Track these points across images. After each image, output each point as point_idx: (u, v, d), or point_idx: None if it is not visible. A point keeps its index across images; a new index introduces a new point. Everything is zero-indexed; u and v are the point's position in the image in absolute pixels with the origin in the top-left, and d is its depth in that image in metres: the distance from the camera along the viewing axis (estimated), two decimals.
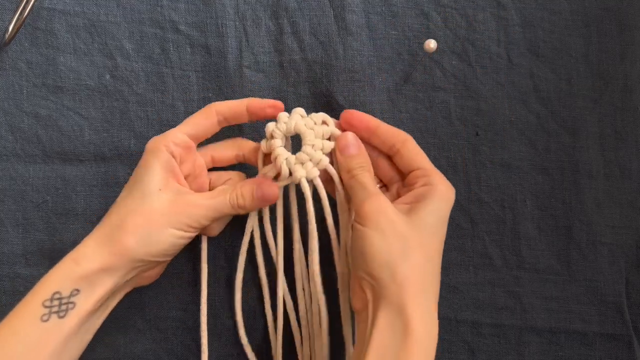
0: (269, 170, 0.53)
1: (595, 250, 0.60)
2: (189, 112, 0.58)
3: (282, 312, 0.57)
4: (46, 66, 0.58)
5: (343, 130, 0.54)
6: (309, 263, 0.53)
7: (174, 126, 0.57)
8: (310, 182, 0.53)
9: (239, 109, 0.53)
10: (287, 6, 0.59)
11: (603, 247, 0.60)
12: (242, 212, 0.52)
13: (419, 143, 0.58)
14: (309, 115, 0.53)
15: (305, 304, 0.57)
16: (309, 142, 0.52)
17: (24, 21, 0.56)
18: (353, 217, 0.51)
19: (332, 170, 0.53)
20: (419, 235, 0.47)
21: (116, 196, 0.57)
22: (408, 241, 0.47)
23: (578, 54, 0.60)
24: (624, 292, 0.60)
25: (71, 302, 0.46)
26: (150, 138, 0.58)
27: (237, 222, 0.58)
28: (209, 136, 0.54)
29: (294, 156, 0.52)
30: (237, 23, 0.59)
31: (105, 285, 0.47)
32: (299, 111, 0.53)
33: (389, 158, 0.54)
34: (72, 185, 0.58)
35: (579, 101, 0.60)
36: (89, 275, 0.46)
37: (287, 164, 0.52)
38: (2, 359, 0.43)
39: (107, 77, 0.58)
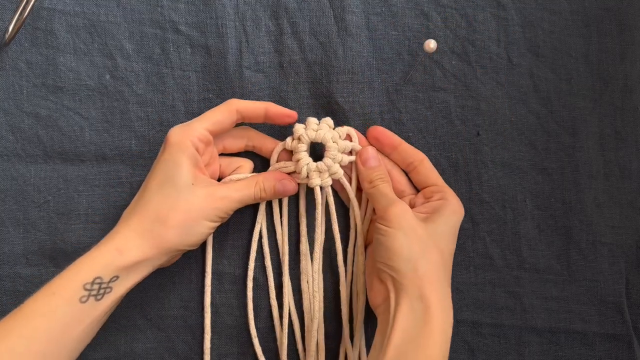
0: (281, 167, 0.57)
1: (595, 250, 0.60)
2: (189, 112, 0.58)
3: (288, 303, 0.58)
4: (46, 66, 0.58)
5: (367, 142, 0.58)
6: (313, 260, 0.57)
7: (174, 126, 0.58)
8: (323, 190, 0.57)
9: (258, 111, 0.55)
10: (287, 7, 0.59)
11: (603, 247, 0.60)
12: (261, 202, 0.58)
13: (419, 143, 0.59)
14: (336, 129, 0.57)
15: (309, 298, 0.58)
16: (331, 156, 0.56)
17: (24, 21, 0.56)
18: (376, 220, 0.55)
19: (346, 184, 0.57)
20: (435, 239, 0.53)
21: (118, 196, 0.58)
22: (426, 243, 0.52)
23: (578, 54, 0.60)
24: (624, 292, 0.60)
25: (109, 287, 0.49)
26: (150, 138, 0.58)
27: (237, 223, 0.59)
28: (225, 132, 0.56)
29: (315, 164, 0.56)
30: (237, 23, 0.59)
31: (142, 273, 0.51)
32: (328, 122, 0.57)
33: (405, 173, 0.59)
34: (74, 185, 0.58)
35: (579, 101, 0.60)
36: (131, 265, 0.49)
37: (307, 169, 0.55)
38: (41, 335, 0.46)
39: (107, 77, 0.58)
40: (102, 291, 0.48)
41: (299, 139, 0.56)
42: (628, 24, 0.60)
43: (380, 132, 0.58)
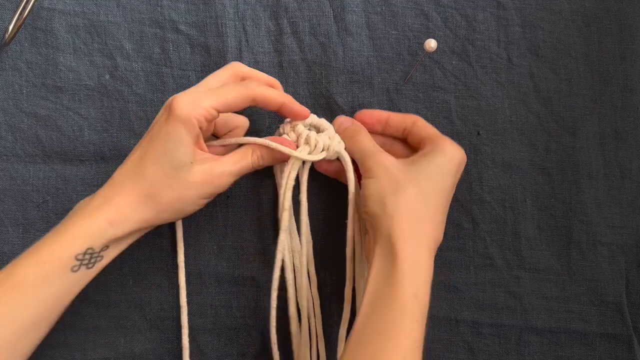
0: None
1: (595, 250, 0.60)
2: None
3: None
4: (46, 66, 0.58)
5: None
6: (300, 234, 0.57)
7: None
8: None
9: (274, 105, 0.53)
10: (286, 6, 0.59)
11: (603, 247, 0.60)
12: (259, 168, 0.55)
13: None
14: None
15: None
16: (327, 134, 0.56)
17: (24, 21, 0.56)
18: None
19: (345, 155, 0.55)
20: (413, 177, 0.51)
21: None
22: (400, 181, 0.50)
23: (578, 54, 0.60)
24: (624, 292, 0.60)
25: (100, 256, 0.49)
26: None
27: (236, 224, 0.59)
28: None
29: (315, 134, 0.55)
30: (237, 23, 0.59)
31: (131, 240, 0.51)
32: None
33: (405, 142, 0.57)
34: (73, 185, 0.58)
35: (579, 101, 0.60)
36: (122, 237, 0.49)
37: (307, 135, 0.55)
38: (35, 304, 0.47)
39: (107, 77, 0.58)
40: (93, 260, 0.49)
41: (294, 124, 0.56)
42: (628, 23, 0.60)
43: (365, 113, 0.57)
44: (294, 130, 0.55)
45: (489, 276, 0.60)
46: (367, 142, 0.54)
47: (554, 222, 0.60)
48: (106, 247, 0.49)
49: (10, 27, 0.55)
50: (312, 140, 0.55)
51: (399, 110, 0.59)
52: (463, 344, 0.60)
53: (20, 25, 0.56)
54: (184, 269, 0.58)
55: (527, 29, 0.60)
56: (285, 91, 0.59)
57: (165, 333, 0.58)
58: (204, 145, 0.52)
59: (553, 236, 0.60)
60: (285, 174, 0.55)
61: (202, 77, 0.58)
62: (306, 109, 0.54)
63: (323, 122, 0.56)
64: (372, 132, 0.57)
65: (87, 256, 0.48)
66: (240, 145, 0.54)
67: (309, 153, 0.55)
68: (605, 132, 0.60)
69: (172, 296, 0.59)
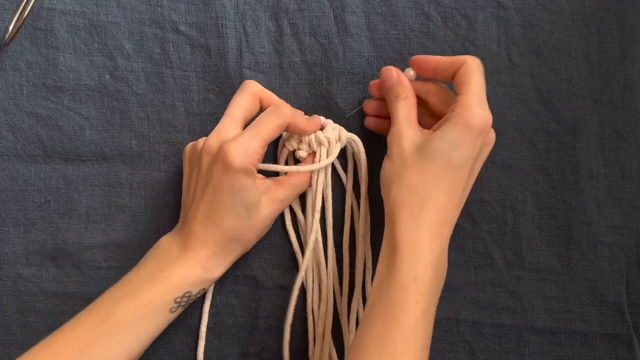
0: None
1: (595, 250, 0.60)
2: (189, 112, 0.58)
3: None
4: (46, 66, 0.58)
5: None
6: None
7: (174, 127, 0.58)
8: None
9: (301, 131, 0.55)
10: (287, 7, 0.59)
11: (603, 247, 0.60)
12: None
13: None
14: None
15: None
16: (331, 126, 0.57)
17: (24, 21, 0.56)
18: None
19: (355, 138, 0.58)
20: (420, 159, 0.50)
21: (118, 196, 0.58)
22: (407, 164, 0.50)
23: (578, 54, 0.60)
24: (624, 292, 0.60)
25: (194, 296, 0.53)
26: (150, 138, 0.58)
27: None
28: None
29: (321, 133, 0.56)
30: (237, 24, 0.59)
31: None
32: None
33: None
34: (74, 185, 0.58)
35: (579, 101, 0.60)
36: (217, 277, 0.54)
37: (316, 137, 0.56)
38: (134, 342, 0.50)
39: (107, 77, 0.58)
40: (189, 301, 0.53)
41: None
42: (628, 23, 0.60)
43: (415, 60, 0.55)
44: (301, 142, 0.56)
45: (489, 276, 0.60)
46: (401, 111, 0.53)
47: (554, 222, 0.60)
48: (202, 289, 0.53)
49: (11, 27, 0.55)
50: (324, 140, 0.56)
51: None
52: (463, 344, 0.60)
53: (21, 25, 0.56)
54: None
55: (528, 29, 0.60)
56: (286, 92, 0.59)
57: (164, 333, 0.58)
58: (256, 174, 0.54)
59: (553, 236, 0.60)
60: (314, 182, 0.57)
61: (202, 78, 0.59)
62: (311, 123, 0.56)
63: (313, 118, 0.57)
64: (424, 76, 0.55)
65: (184, 299, 0.52)
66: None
67: (327, 153, 0.56)
68: (606, 132, 0.60)
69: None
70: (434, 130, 0.51)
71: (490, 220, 0.60)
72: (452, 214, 0.51)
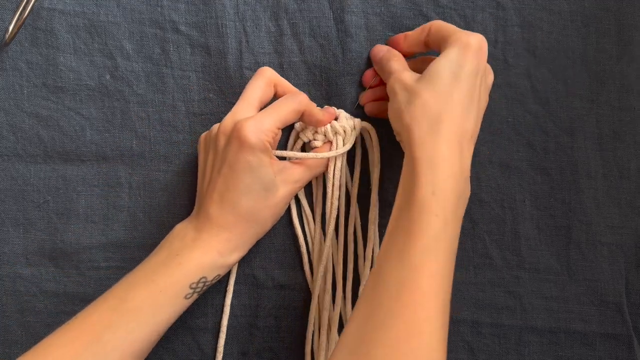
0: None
1: (595, 250, 0.60)
2: (189, 112, 0.59)
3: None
4: (46, 66, 0.58)
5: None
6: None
7: (175, 127, 0.58)
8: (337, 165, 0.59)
9: (315, 122, 0.56)
10: (287, 7, 0.59)
11: (603, 247, 0.60)
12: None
13: None
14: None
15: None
16: (343, 116, 0.58)
17: (24, 21, 0.56)
18: None
19: (369, 126, 0.58)
20: (426, 82, 0.51)
21: (117, 196, 0.58)
22: (413, 91, 0.51)
23: (575, 54, 0.60)
24: (623, 292, 0.60)
25: (210, 283, 0.53)
26: (151, 138, 0.58)
27: None
28: None
29: (336, 122, 0.57)
30: (237, 24, 0.59)
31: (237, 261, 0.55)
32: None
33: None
34: (73, 185, 0.58)
35: (576, 101, 0.60)
36: (232, 263, 0.54)
37: (332, 127, 0.57)
38: (150, 329, 0.50)
39: (107, 77, 0.59)
40: (204, 287, 0.52)
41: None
42: (627, 24, 0.60)
43: (389, 40, 0.59)
44: (317, 132, 0.57)
45: (488, 276, 0.60)
46: (396, 65, 0.55)
47: (553, 222, 0.60)
48: (218, 275, 0.53)
49: (11, 27, 0.55)
50: (340, 129, 0.57)
51: None
52: (463, 343, 0.60)
53: (21, 25, 0.56)
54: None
55: (526, 29, 0.60)
56: None
57: (165, 332, 0.58)
58: (273, 156, 0.54)
59: (552, 236, 0.60)
60: (331, 169, 0.58)
61: (203, 78, 0.59)
62: (326, 114, 0.56)
63: (327, 109, 0.58)
64: (399, 51, 0.58)
65: (200, 284, 0.52)
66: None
67: (344, 142, 0.57)
68: (603, 132, 0.61)
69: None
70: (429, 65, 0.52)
71: (489, 220, 0.60)
72: (471, 127, 0.51)
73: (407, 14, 0.60)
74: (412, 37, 0.57)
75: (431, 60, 0.53)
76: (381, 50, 0.58)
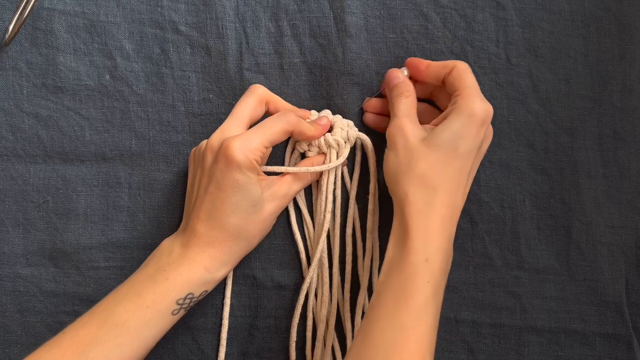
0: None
1: (594, 250, 0.60)
2: (189, 112, 0.59)
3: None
4: (46, 66, 0.58)
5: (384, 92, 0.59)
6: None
7: (174, 127, 0.58)
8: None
9: (307, 138, 0.56)
10: (287, 8, 0.59)
11: (602, 247, 0.60)
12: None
13: None
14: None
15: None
16: (338, 126, 0.57)
17: (24, 21, 0.56)
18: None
19: (364, 136, 0.58)
20: (427, 149, 0.51)
21: (116, 196, 0.58)
22: (414, 154, 0.52)
23: (577, 54, 0.60)
24: (623, 292, 0.60)
25: (197, 299, 0.53)
26: (150, 138, 0.58)
27: None
28: None
29: (330, 135, 0.57)
30: (237, 25, 0.59)
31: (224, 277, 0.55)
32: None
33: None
34: (73, 185, 0.58)
35: (577, 101, 0.60)
36: (219, 279, 0.54)
37: (325, 140, 0.57)
38: (137, 345, 0.49)
39: (107, 77, 0.58)
40: (191, 303, 0.52)
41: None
42: (628, 23, 0.60)
43: (409, 61, 0.58)
44: (311, 145, 0.57)
45: (488, 276, 0.60)
46: (403, 107, 0.55)
47: (553, 222, 0.60)
48: (205, 291, 0.53)
49: (11, 27, 0.55)
50: (333, 143, 0.56)
51: None
52: (463, 344, 0.60)
53: (21, 25, 0.56)
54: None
55: (527, 29, 0.60)
56: (286, 93, 0.59)
57: None
58: (260, 171, 0.54)
59: (552, 236, 0.60)
60: (324, 181, 0.57)
61: (202, 78, 0.59)
62: (318, 127, 0.56)
63: (325, 113, 0.58)
64: (415, 79, 0.58)
65: (187, 300, 0.51)
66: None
67: (337, 155, 0.57)
68: (604, 132, 0.60)
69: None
70: (435, 125, 0.53)
71: (489, 220, 0.60)
72: (460, 200, 0.52)
73: (407, 14, 0.60)
74: (433, 69, 0.56)
75: (436, 114, 0.55)
76: (397, 77, 0.57)
